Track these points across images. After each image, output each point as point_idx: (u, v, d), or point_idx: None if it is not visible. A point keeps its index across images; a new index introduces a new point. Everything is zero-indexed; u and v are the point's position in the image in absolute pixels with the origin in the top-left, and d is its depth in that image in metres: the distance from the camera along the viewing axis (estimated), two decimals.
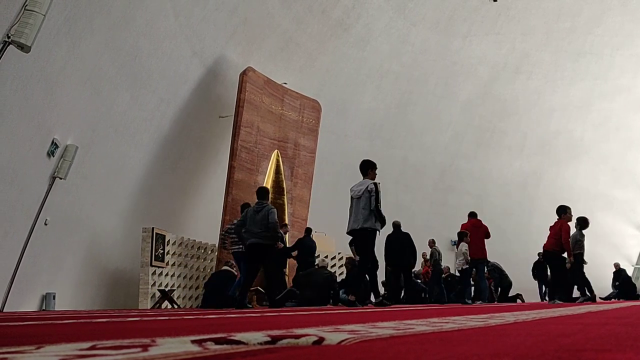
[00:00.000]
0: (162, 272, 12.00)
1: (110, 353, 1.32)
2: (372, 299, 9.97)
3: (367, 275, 9.08)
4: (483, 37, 17.59)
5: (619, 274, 17.32)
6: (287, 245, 12.19)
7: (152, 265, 11.59)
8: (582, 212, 20.49)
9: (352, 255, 10.75)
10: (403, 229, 12.05)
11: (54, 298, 10.06)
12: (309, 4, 14.33)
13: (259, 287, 12.83)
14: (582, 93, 19.19)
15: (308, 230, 12.88)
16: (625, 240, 19.56)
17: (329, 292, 10.60)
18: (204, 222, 13.64)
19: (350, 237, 9.08)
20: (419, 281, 14.75)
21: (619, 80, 19.03)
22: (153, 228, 11.65)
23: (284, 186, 14.11)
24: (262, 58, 14.03)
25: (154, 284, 11.67)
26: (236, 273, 10.75)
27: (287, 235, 12.73)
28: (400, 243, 11.62)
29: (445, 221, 16.72)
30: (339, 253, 15.24)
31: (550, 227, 10.59)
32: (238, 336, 1.64)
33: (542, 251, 11.19)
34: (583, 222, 10.99)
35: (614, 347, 1.39)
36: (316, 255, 12.79)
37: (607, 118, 19.77)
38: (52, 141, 9.37)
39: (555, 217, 10.56)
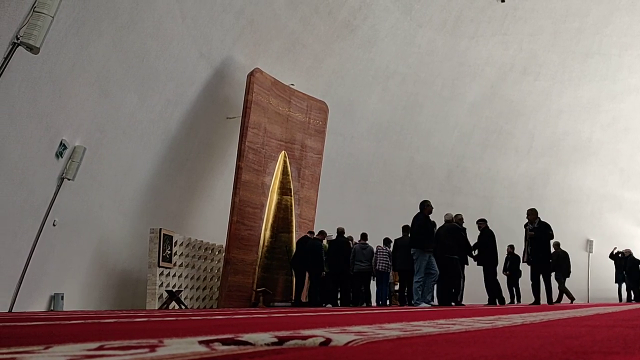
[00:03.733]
0: (169, 272, 12.03)
1: (118, 353, 1.33)
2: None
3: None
4: (490, 38, 17.54)
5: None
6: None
7: (159, 266, 11.62)
8: (591, 213, 20.49)
9: None
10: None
11: (62, 298, 10.11)
12: (315, 5, 14.34)
13: (266, 289, 12.87)
14: (590, 94, 19.08)
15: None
16: (634, 242, 19.42)
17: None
18: (212, 223, 13.66)
19: None
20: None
21: (628, 81, 18.92)
22: (161, 229, 11.69)
23: (291, 187, 14.12)
24: (269, 59, 14.04)
25: (161, 285, 11.70)
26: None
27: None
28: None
29: None
30: None
31: None
32: (245, 337, 1.65)
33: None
34: None
35: (621, 350, 1.39)
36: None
37: (616, 119, 19.65)
38: (61, 142, 9.41)
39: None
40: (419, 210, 10.68)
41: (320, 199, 14.90)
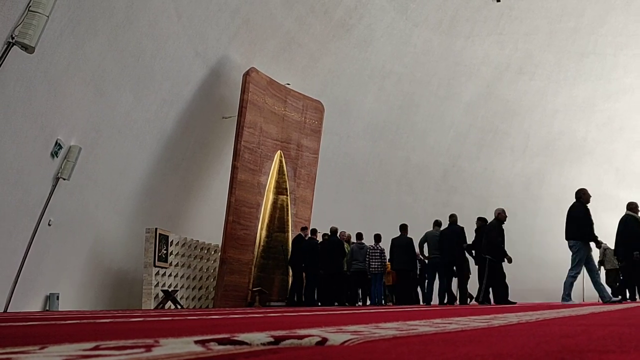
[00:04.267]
0: (165, 272, 12.02)
1: (114, 353, 1.33)
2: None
3: None
4: (485, 38, 17.57)
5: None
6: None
7: (155, 266, 11.61)
8: None
9: None
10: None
11: (57, 298, 10.09)
12: (311, 4, 14.33)
13: (262, 288, 12.86)
14: (585, 93, 19.14)
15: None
16: None
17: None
18: (207, 222, 13.66)
19: None
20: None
21: (623, 80, 18.98)
22: (156, 229, 11.68)
23: (287, 187, 14.12)
24: (265, 59, 14.04)
25: (157, 285, 11.69)
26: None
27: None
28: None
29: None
30: None
31: None
32: (241, 337, 1.65)
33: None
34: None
35: (617, 348, 1.39)
36: None
37: (611, 118, 19.71)
38: (56, 142, 9.39)
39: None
40: (575, 199, 10.05)
41: (316, 198, 14.90)
